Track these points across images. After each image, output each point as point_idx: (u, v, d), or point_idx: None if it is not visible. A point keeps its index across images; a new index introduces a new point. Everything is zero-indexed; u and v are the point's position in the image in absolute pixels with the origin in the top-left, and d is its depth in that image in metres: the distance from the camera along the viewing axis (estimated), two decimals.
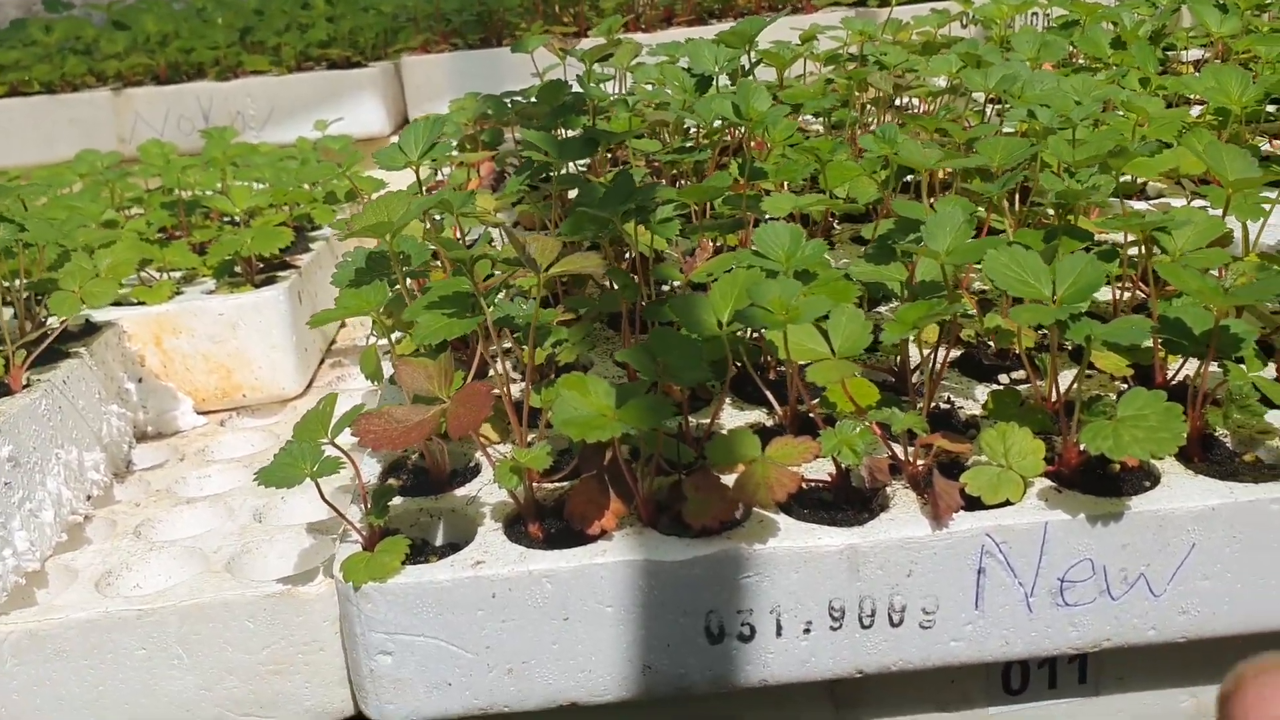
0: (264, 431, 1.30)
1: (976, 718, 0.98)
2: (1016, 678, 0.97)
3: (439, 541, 0.95)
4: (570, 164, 1.40)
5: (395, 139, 2.20)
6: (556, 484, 0.96)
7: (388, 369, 1.23)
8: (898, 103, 1.78)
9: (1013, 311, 0.85)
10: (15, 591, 0.96)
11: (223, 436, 1.29)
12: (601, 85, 1.59)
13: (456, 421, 0.84)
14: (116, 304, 1.31)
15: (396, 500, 0.95)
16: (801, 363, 0.92)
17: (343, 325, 1.69)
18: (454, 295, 0.94)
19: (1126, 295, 1.16)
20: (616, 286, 1.05)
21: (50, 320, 1.14)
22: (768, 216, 1.16)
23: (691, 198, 1.10)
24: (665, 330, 0.90)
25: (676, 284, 1.18)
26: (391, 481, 0.98)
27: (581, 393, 0.84)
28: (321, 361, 1.51)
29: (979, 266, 1.15)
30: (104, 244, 1.22)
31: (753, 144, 1.36)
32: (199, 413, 1.34)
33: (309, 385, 1.42)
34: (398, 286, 1.03)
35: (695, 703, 0.95)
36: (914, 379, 1.05)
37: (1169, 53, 2.05)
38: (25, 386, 1.07)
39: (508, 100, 1.70)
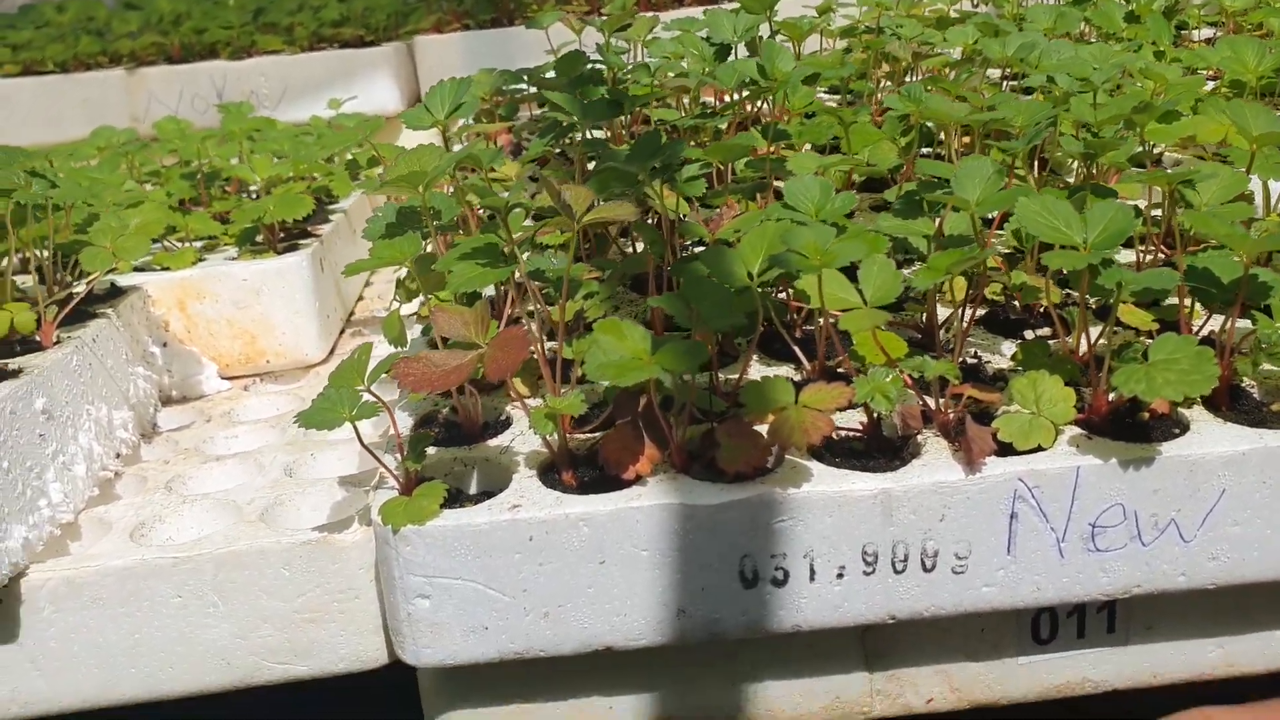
0: (289, 395, 1.30)
1: (1006, 667, 0.98)
2: (1045, 627, 0.98)
3: (473, 490, 0.96)
4: (589, 132, 1.40)
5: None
6: (588, 435, 0.97)
7: (410, 334, 1.24)
8: (911, 78, 1.78)
9: (1046, 256, 0.86)
10: (51, 542, 0.97)
11: (248, 400, 1.29)
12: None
13: (495, 364, 0.84)
14: (140, 269, 1.31)
15: (430, 450, 0.96)
16: (833, 312, 0.93)
17: (360, 298, 1.70)
18: (486, 247, 0.95)
19: (1149, 258, 1.17)
20: (644, 243, 1.06)
21: (80, 279, 1.14)
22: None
23: (717, 156, 1.10)
24: (699, 278, 0.90)
25: (697, 246, 1.19)
26: (424, 431, 0.99)
27: (618, 337, 0.85)
28: (342, 331, 1.52)
29: (999, 233, 1.16)
30: (131, 204, 1.23)
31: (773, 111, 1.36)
32: (223, 378, 1.34)
33: (331, 352, 1.42)
34: (426, 246, 1.04)
35: (726, 648, 0.96)
36: (940, 336, 1.06)
37: (1180, 31, 2.05)
38: (56, 343, 1.07)
39: (524, 74, 1.70)
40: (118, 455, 1.11)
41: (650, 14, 1.63)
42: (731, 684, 0.98)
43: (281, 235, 1.46)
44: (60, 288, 1.15)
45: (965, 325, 0.98)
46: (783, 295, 1.08)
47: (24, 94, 2.20)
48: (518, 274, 0.93)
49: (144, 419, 1.20)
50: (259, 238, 1.42)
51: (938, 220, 1.02)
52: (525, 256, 1.07)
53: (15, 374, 1.00)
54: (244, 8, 2.28)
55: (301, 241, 1.44)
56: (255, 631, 0.94)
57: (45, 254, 1.10)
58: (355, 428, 0.87)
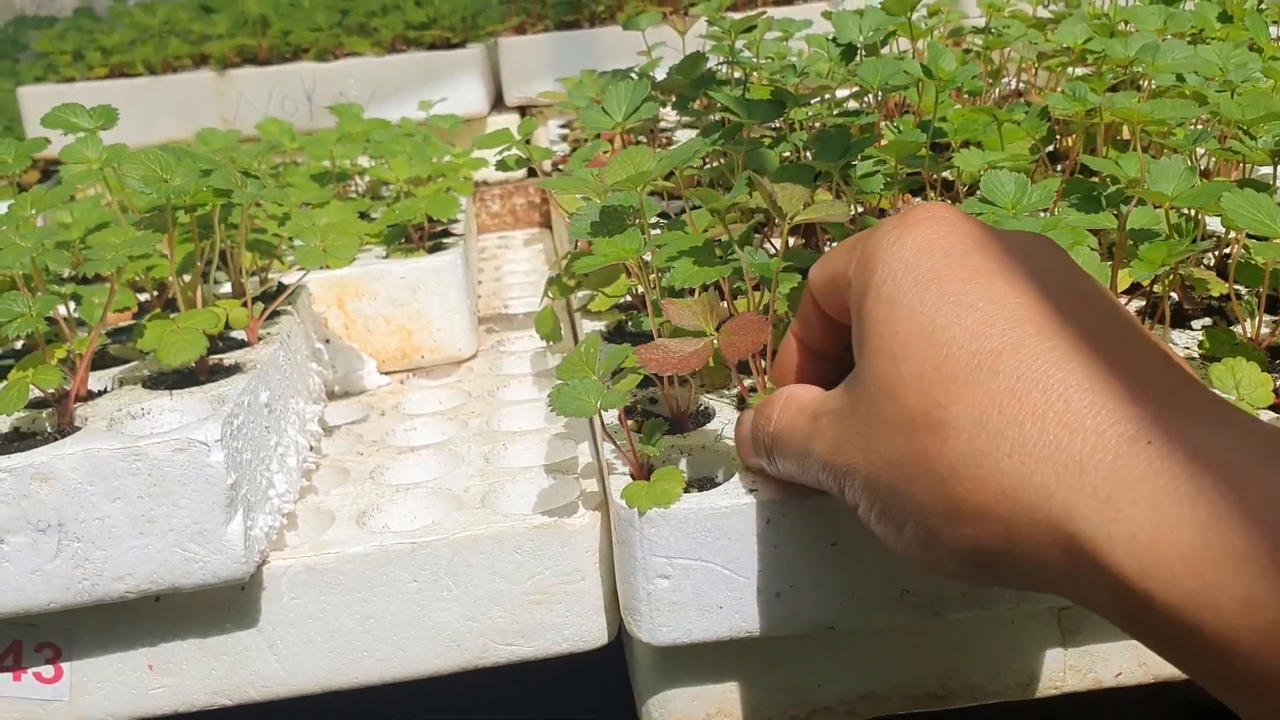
0: (449, 389, 1.34)
1: None
2: None
3: (687, 476, 0.99)
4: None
5: (493, 119, 2.24)
6: None
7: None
8: (1008, 79, 1.83)
9: (1256, 248, 0.90)
10: (277, 531, 1.00)
11: (410, 395, 1.33)
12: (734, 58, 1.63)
13: (731, 348, 0.88)
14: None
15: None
16: None
17: (479, 296, 1.73)
18: (699, 246, 0.99)
19: None
20: (835, 238, 1.10)
21: (250, 277, 1.18)
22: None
23: (893, 153, 1.14)
24: None
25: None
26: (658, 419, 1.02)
27: None
28: None
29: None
30: (317, 204, 1.26)
31: (909, 111, 1.40)
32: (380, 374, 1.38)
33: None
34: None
35: (930, 629, 1.00)
36: None
37: None
38: (260, 340, 1.11)
39: (634, 74, 1.74)
40: (311, 448, 1.15)
41: (764, 14, 1.66)
42: (933, 662, 1.02)
43: (418, 235, 1.49)
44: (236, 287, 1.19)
45: (1162, 315, 1.03)
46: None
47: (116, 96, 2.22)
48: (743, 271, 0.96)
49: (322, 413, 1.24)
50: (402, 238, 1.45)
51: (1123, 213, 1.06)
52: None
53: (236, 368, 1.03)
54: (330, 8, 2.31)
55: (444, 240, 1.47)
56: (485, 614, 0.97)
57: (239, 252, 1.13)
58: (600, 416, 0.90)
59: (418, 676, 0.99)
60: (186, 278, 1.12)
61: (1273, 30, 2.18)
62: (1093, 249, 1.06)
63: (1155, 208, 1.05)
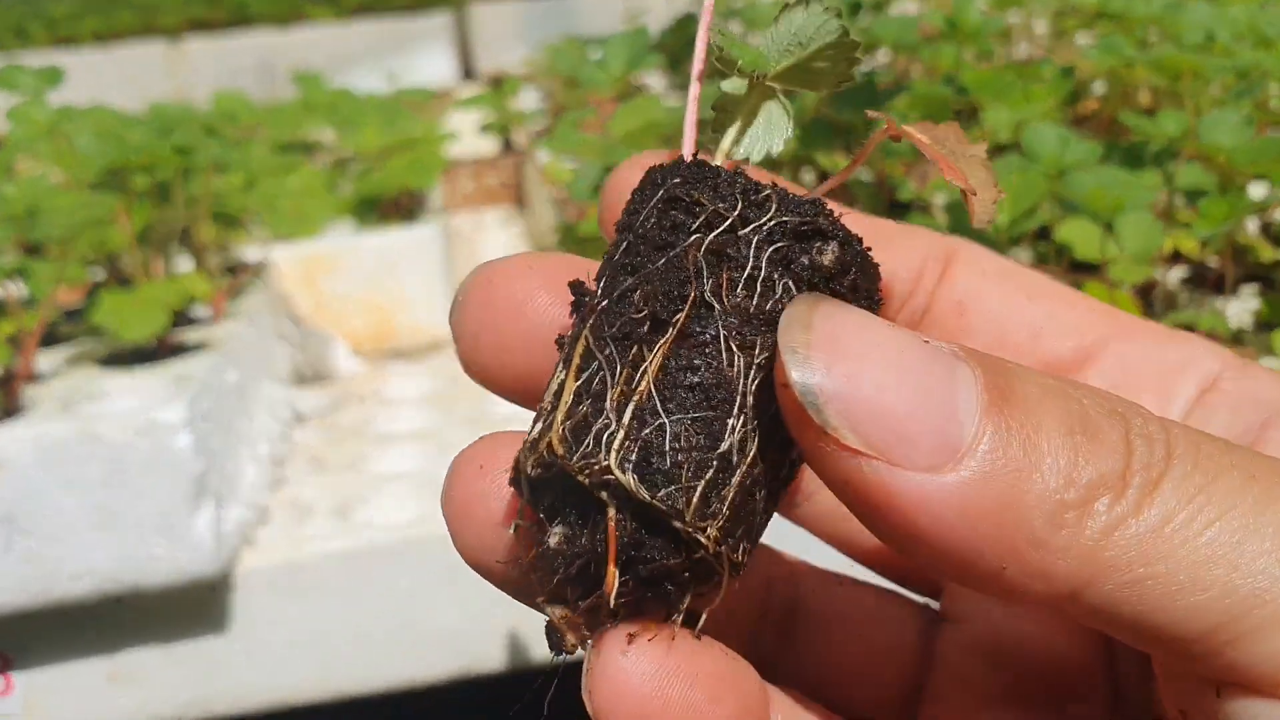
0: (432, 373, 1.24)
1: None
2: None
3: None
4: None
5: (463, 91, 2.14)
6: None
7: None
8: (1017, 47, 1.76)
9: None
10: (250, 525, 0.90)
11: (389, 379, 1.23)
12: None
13: None
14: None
15: None
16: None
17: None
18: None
19: None
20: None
21: (241, 252, 1.08)
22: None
23: (920, 108, 1.06)
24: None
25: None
26: None
27: None
28: None
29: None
30: (285, 171, 1.16)
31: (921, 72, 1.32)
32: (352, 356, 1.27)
33: None
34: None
35: None
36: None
37: None
38: (225, 316, 1.00)
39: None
40: (280, 435, 1.05)
41: None
42: None
43: (392, 209, 1.39)
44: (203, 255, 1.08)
45: (1216, 281, 0.95)
46: None
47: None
48: None
49: (292, 398, 1.14)
50: (375, 211, 1.35)
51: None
52: None
53: (200, 346, 0.93)
54: None
55: (420, 215, 1.37)
56: (486, 615, 0.88)
57: (201, 223, 1.03)
58: None
59: (412, 685, 0.90)
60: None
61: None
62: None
63: (1206, 165, 0.97)
